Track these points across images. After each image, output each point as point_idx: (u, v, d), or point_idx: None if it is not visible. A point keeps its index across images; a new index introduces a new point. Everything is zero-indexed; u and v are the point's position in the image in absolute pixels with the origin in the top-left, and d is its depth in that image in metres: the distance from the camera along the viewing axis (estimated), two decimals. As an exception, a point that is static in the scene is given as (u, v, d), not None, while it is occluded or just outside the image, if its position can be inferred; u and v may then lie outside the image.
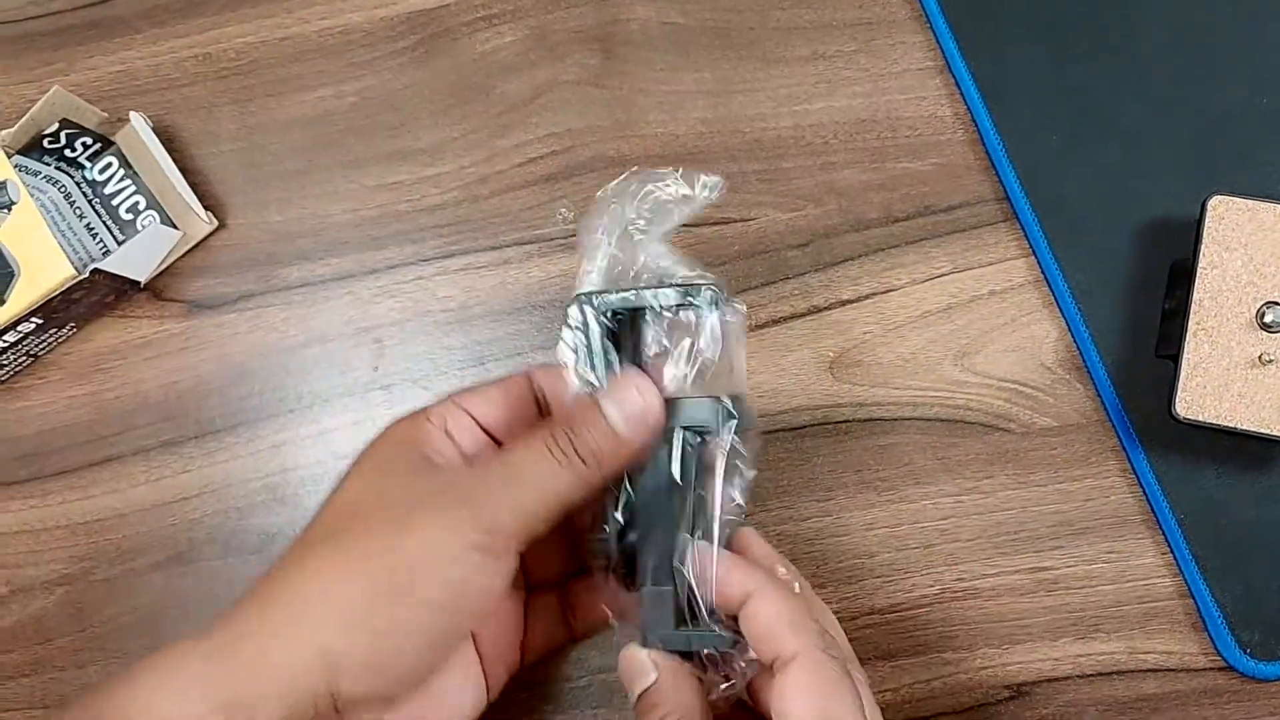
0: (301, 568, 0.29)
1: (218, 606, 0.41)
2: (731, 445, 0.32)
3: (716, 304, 0.32)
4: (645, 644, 0.31)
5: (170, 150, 0.44)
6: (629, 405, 0.31)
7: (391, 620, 0.28)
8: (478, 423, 0.34)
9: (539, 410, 0.35)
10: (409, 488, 0.31)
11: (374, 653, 0.28)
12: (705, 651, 0.31)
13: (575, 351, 0.33)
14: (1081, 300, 0.42)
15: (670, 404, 0.32)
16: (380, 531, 0.29)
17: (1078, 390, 0.42)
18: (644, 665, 0.31)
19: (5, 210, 0.41)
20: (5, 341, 0.41)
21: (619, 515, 0.32)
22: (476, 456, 0.33)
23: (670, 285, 0.33)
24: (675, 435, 0.32)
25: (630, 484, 0.33)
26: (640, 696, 0.31)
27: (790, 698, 0.28)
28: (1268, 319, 0.37)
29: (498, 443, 0.34)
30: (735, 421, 0.32)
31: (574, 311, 0.33)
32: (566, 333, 0.33)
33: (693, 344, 0.32)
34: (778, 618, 0.30)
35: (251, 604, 0.29)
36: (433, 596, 0.29)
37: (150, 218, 0.44)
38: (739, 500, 0.32)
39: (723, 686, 0.32)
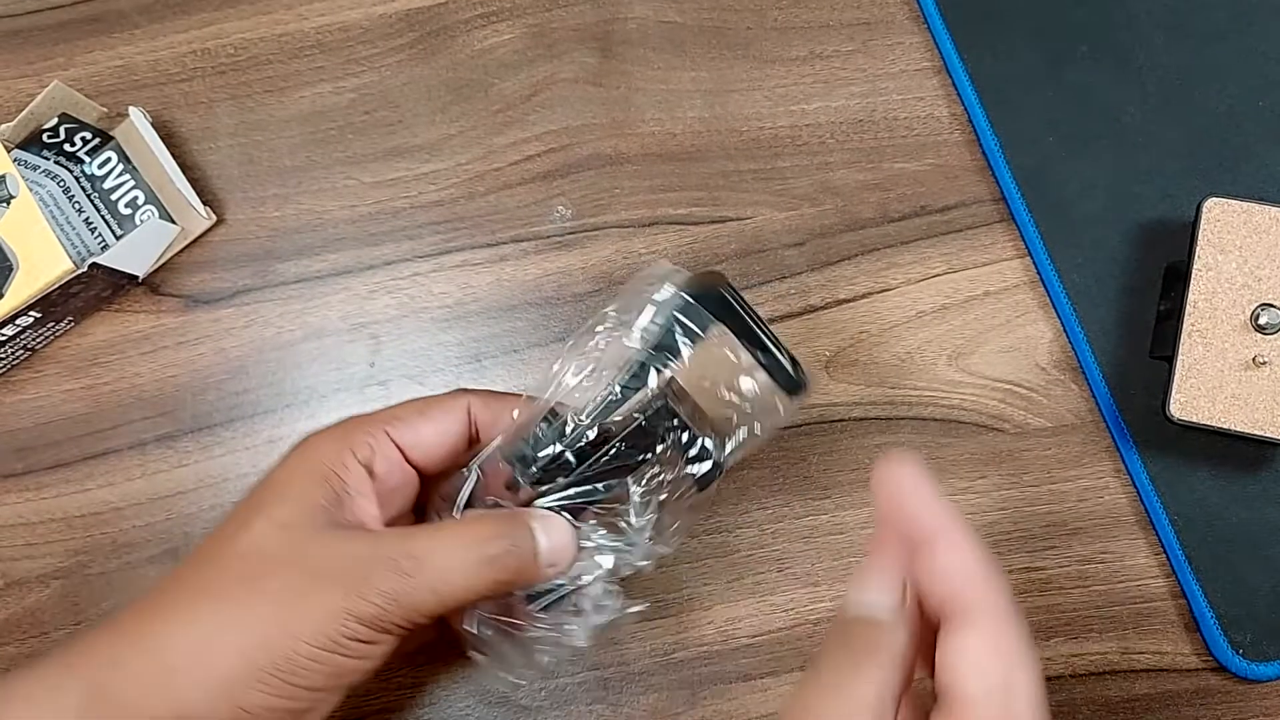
0: (192, 618, 0.30)
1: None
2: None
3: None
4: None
5: (169, 145, 0.44)
6: (557, 546, 0.32)
7: (262, 703, 0.29)
8: (405, 456, 0.33)
9: (470, 440, 0.35)
10: (311, 552, 0.30)
11: None
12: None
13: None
14: (1077, 301, 0.42)
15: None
16: (274, 600, 0.29)
17: (1072, 391, 0.42)
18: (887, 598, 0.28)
19: (4, 204, 0.41)
20: (3, 335, 0.41)
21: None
22: (379, 513, 0.33)
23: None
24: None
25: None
26: (858, 623, 0.28)
27: (977, 654, 0.26)
28: (1262, 321, 0.38)
29: (421, 475, 0.34)
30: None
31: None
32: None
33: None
34: (978, 562, 0.26)
35: (128, 638, 0.30)
36: (310, 682, 0.29)
37: (148, 213, 0.44)
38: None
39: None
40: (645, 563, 0.33)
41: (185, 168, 0.45)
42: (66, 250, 0.41)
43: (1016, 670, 0.26)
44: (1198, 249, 0.39)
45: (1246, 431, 0.38)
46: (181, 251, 0.45)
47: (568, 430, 0.32)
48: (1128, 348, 0.42)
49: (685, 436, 0.32)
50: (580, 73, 0.46)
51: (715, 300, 0.32)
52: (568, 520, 0.33)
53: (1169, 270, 0.41)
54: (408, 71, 0.47)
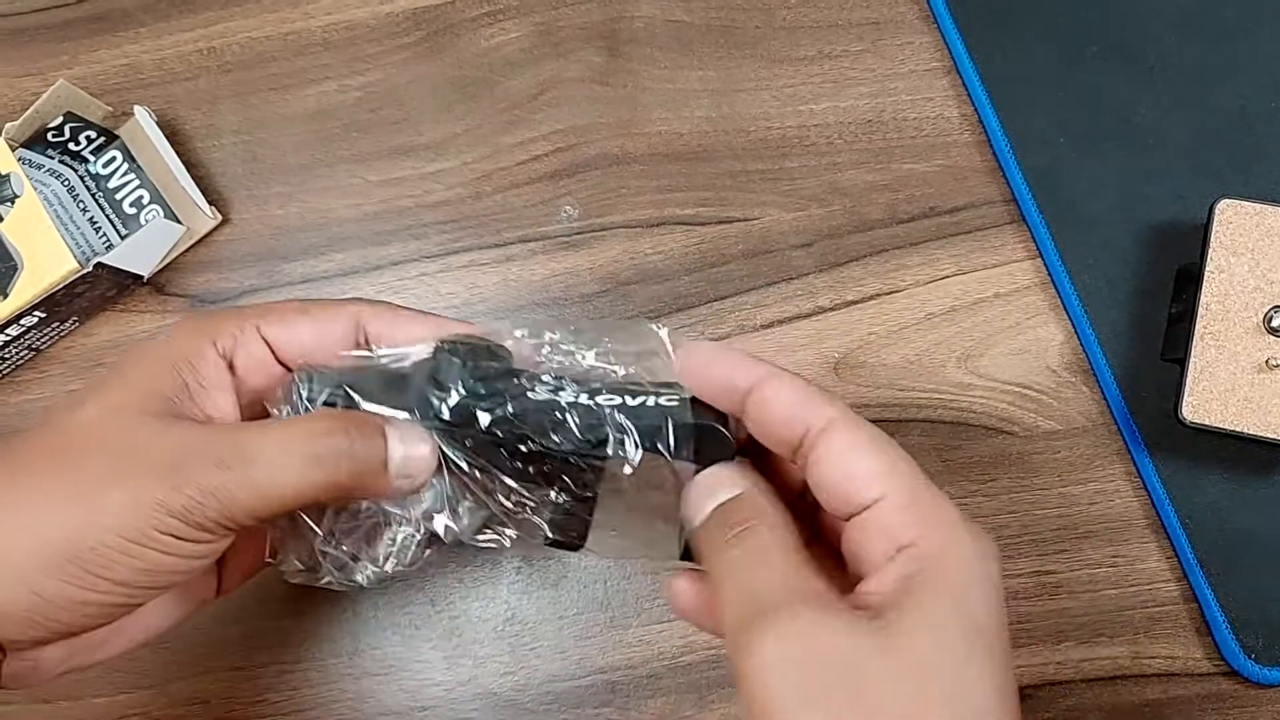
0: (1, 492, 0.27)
1: (214, 603, 0.41)
2: None
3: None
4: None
5: (174, 144, 0.44)
6: (412, 459, 0.29)
7: (61, 592, 0.27)
8: (275, 354, 0.31)
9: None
10: (136, 439, 0.28)
11: (31, 613, 0.27)
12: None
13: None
14: (1088, 303, 0.42)
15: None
16: (84, 484, 0.27)
17: (1083, 394, 0.42)
18: (728, 479, 0.29)
19: (9, 203, 0.41)
20: (7, 335, 0.41)
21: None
22: (239, 413, 0.30)
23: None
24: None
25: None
26: (721, 509, 0.28)
27: (846, 455, 0.26)
28: (1275, 323, 0.37)
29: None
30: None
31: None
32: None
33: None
34: (803, 391, 0.27)
35: None
36: (116, 575, 0.27)
37: (154, 212, 0.44)
38: None
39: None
40: (452, 541, 0.31)
41: (190, 166, 0.44)
42: (71, 250, 0.40)
43: (885, 445, 0.27)
44: (1210, 251, 0.39)
45: (1259, 435, 0.37)
46: (187, 251, 0.45)
47: (529, 387, 0.29)
48: (1139, 350, 0.41)
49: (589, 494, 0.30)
50: (587, 72, 0.46)
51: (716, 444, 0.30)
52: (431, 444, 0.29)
53: (1181, 272, 0.41)
54: (414, 70, 0.46)
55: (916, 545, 0.26)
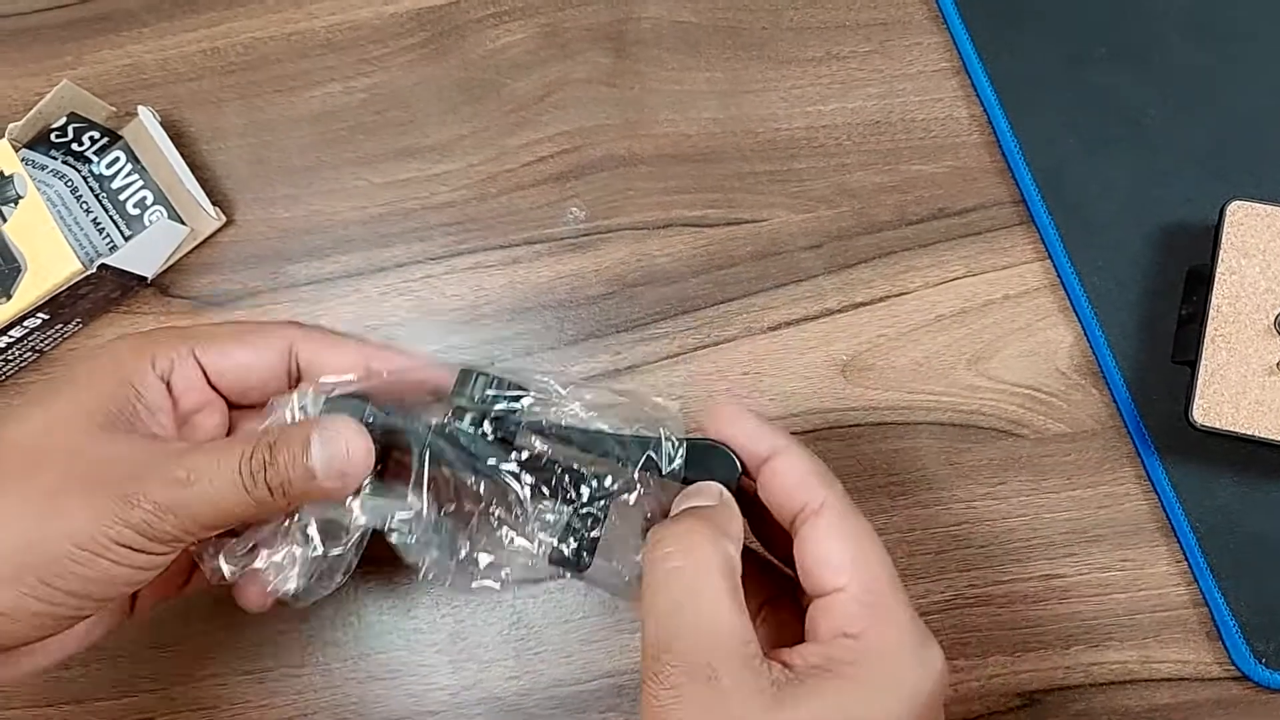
0: None
1: (213, 606, 0.41)
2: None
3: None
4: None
5: (178, 145, 0.44)
6: (336, 458, 0.29)
7: (16, 603, 0.27)
8: (209, 379, 0.31)
9: (291, 377, 0.33)
10: (86, 452, 0.29)
11: None
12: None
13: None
14: (1097, 305, 0.42)
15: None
16: (38, 497, 0.28)
17: (1093, 396, 0.42)
18: (716, 491, 0.30)
19: (12, 204, 0.41)
20: (11, 337, 0.41)
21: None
22: (176, 433, 0.31)
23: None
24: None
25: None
26: (688, 513, 0.30)
27: (826, 542, 0.29)
28: (1287, 326, 0.37)
29: (228, 402, 0.32)
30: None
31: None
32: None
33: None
34: (810, 471, 0.30)
35: None
36: (71, 586, 0.27)
37: (157, 213, 0.43)
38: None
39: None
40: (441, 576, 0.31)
41: (194, 168, 0.44)
42: (75, 251, 0.40)
43: (865, 541, 0.29)
44: (1221, 253, 0.38)
45: (1270, 438, 0.37)
46: (190, 252, 0.45)
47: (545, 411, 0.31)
48: (1149, 352, 0.41)
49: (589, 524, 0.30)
50: (593, 73, 0.46)
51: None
52: (361, 433, 0.30)
53: (1191, 274, 0.41)
54: (419, 71, 0.46)
55: (860, 639, 0.27)
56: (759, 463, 0.30)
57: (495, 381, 0.31)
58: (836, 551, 0.28)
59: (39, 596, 0.27)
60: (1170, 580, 0.40)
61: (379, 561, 0.42)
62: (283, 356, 0.32)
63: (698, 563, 0.27)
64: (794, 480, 0.30)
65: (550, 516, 0.30)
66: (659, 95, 0.46)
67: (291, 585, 0.31)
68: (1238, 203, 0.39)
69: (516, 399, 0.31)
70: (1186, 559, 0.40)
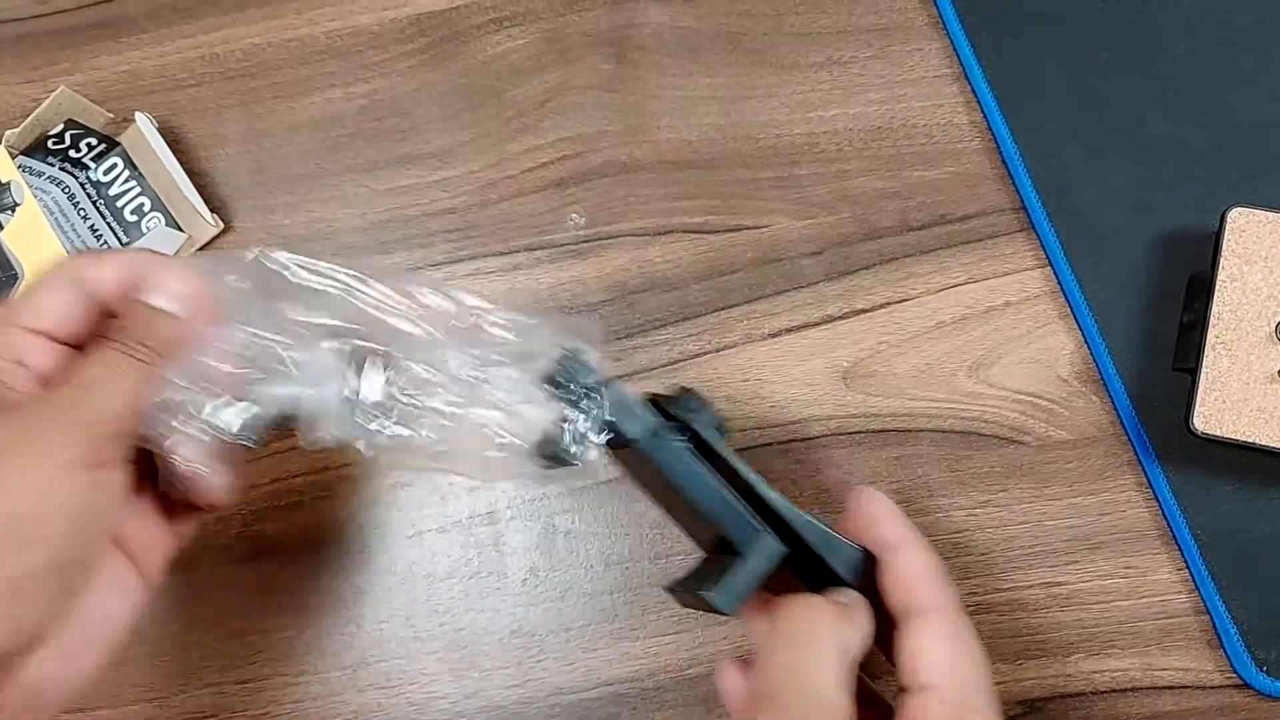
0: None
1: (211, 615, 0.41)
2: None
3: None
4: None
5: (176, 152, 0.44)
6: (175, 291, 0.31)
7: (7, 578, 0.27)
8: (53, 337, 0.31)
9: (103, 301, 0.32)
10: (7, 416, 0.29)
11: None
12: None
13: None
14: (1098, 312, 0.42)
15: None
16: None
17: (1094, 403, 0.42)
18: (860, 600, 0.32)
19: (9, 211, 0.41)
20: (8, 345, 0.41)
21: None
22: (49, 381, 0.31)
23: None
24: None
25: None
26: (824, 596, 0.32)
27: (930, 641, 0.30)
28: (1288, 333, 0.37)
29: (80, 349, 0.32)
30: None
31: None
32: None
33: None
34: (931, 570, 0.31)
35: None
36: (48, 534, 0.27)
37: (155, 220, 0.43)
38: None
39: None
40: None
41: (193, 174, 0.44)
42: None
43: (966, 645, 0.30)
44: (1222, 259, 0.38)
45: (1271, 445, 0.37)
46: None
47: None
48: (1150, 359, 0.41)
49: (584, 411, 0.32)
50: (594, 79, 0.46)
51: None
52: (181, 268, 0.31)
53: (1192, 281, 0.41)
54: (419, 77, 0.46)
55: None
56: (884, 549, 0.32)
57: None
58: (937, 651, 0.30)
59: (24, 555, 0.27)
60: (1172, 588, 0.40)
61: (375, 570, 0.42)
62: (75, 282, 0.32)
63: (818, 635, 0.30)
64: (911, 577, 0.31)
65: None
66: (660, 101, 0.45)
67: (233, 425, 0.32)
68: (1239, 209, 0.39)
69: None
70: (1188, 566, 0.40)
